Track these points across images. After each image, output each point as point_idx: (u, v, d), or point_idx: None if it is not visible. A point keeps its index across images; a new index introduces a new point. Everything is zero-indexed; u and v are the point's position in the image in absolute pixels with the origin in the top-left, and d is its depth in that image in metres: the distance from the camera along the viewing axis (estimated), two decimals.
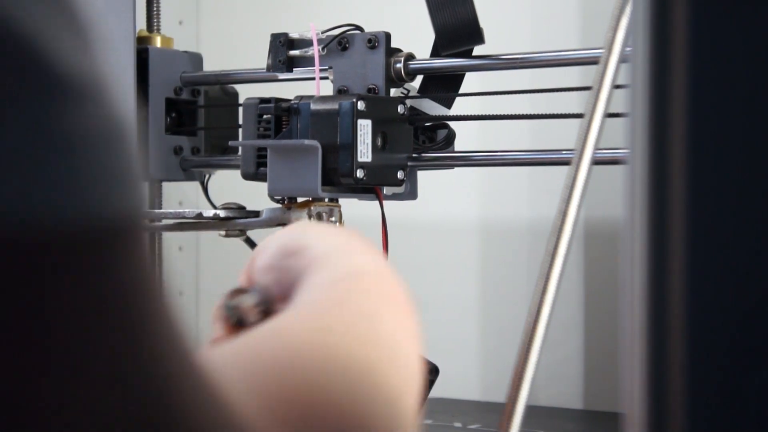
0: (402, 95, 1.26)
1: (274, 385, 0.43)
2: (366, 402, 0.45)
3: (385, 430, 0.45)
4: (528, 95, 1.34)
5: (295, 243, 0.57)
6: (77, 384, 0.32)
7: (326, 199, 1.21)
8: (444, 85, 1.27)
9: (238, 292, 0.57)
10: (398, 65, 1.24)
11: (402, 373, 0.49)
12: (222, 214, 1.21)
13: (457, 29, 1.21)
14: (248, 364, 0.43)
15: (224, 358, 0.44)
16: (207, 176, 1.47)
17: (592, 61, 1.07)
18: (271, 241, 0.58)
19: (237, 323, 0.56)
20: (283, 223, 1.21)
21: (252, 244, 1.42)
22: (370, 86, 1.24)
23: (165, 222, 1.27)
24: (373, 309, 0.52)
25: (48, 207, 0.31)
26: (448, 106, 1.27)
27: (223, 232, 1.25)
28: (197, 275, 1.99)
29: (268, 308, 0.56)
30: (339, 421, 0.43)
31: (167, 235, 1.55)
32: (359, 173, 1.17)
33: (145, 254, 0.34)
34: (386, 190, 1.24)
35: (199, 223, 1.23)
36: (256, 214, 1.22)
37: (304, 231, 0.58)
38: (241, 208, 1.23)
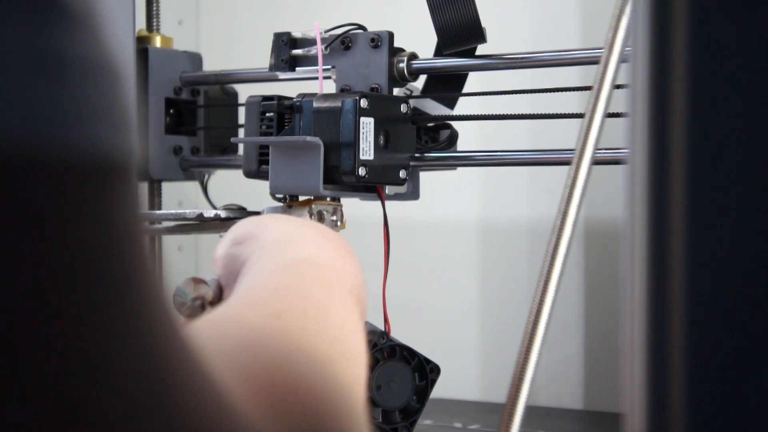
0: (405, 95, 1.26)
1: (244, 369, 0.42)
2: (328, 386, 0.45)
3: (348, 415, 0.45)
4: (528, 95, 1.34)
5: (245, 232, 0.57)
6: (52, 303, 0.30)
7: (328, 198, 1.21)
8: (447, 85, 1.27)
9: (197, 281, 0.58)
10: (401, 65, 1.24)
11: (352, 367, 0.49)
12: (223, 214, 1.20)
13: (459, 28, 1.21)
14: (212, 350, 0.42)
15: None
16: (207, 176, 1.47)
17: (592, 61, 1.07)
18: (228, 232, 0.58)
19: (195, 312, 0.57)
20: None
21: None
22: (373, 85, 1.24)
23: (165, 224, 1.26)
24: (321, 298, 0.51)
25: (28, 130, 0.29)
26: (451, 106, 1.27)
27: (224, 234, 1.24)
28: (197, 275, 1.98)
29: (221, 296, 0.56)
30: (312, 399, 0.42)
31: (167, 235, 1.55)
32: (361, 171, 1.17)
33: (132, 198, 0.33)
34: (388, 190, 1.24)
35: (199, 224, 1.23)
36: (257, 214, 1.22)
37: (256, 221, 0.58)
38: (242, 209, 1.23)
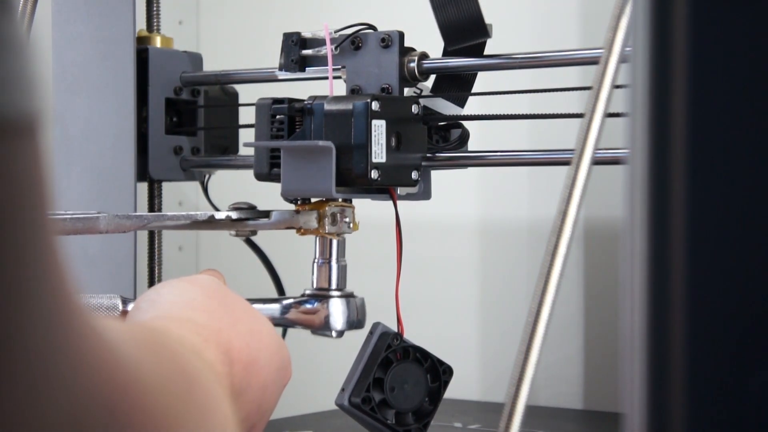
0: (415, 95, 1.26)
1: None
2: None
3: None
4: (528, 95, 1.34)
5: (151, 293, 0.66)
6: None
7: (340, 200, 1.21)
8: (457, 84, 1.27)
9: None
10: (412, 64, 1.24)
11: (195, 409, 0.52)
12: (234, 215, 1.20)
13: (462, 24, 1.21)
14: None
15: None
16: (207, 176, 1.47)
17: (592, 61, 1.07)
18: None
19: None
20: (292, 226, 1.21)
21: (253, 245, 1.42)
22: (384, 86, 1.23)
23: (176, 222, 1.26)
24: (193, 342, 0.60)
25: None
26: (461, 105, 1.27)
27: (233, 232, 1.24)
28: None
29: None
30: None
31: (167, 235, 1.55)
32: (374, 174, 1.17)
33: (39, 162, 0.35)
34: (400, 191, 1.24)
35: (210, 223, 1.22)
36: (267, 214, 1.22)
37: (164, 285, 0.66)
38: (252, 207, 1.23)
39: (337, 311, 1.19)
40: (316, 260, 1.21)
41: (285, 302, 1.20)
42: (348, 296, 1.20)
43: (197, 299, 0.63)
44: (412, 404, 1.18)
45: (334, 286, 1.20)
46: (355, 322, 1.20)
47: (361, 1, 1.79)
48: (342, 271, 1.21)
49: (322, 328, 1.19)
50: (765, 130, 0.47)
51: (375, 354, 1.16)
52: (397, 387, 1.17)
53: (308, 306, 1.19)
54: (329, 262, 1.20)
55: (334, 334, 1.19)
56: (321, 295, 1.20)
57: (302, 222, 1.20)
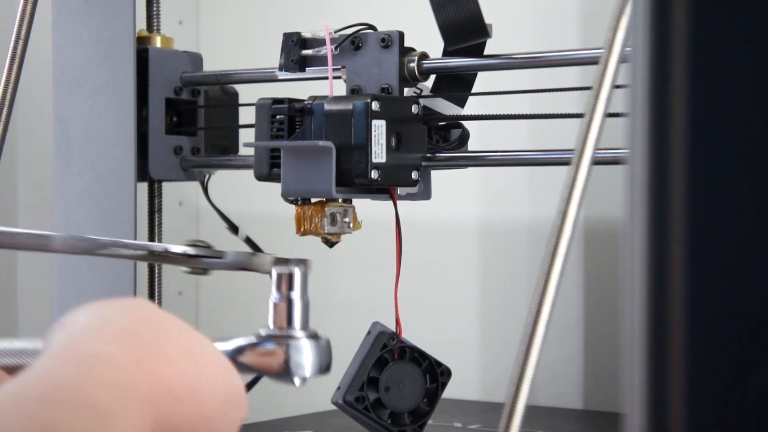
0: (415, 95, 1.26)
1: None
2: None
3: None
4: (528, 95, 1.34)
5: (67, 318, 0.57)
6: None
7: (340, 200, 1.21)
8: (457, 84, 1.27)
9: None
10: (412, 64, 1.24)
11: None
12: (191, 251, 1.14)
13: (461, 24, 1.21)
14: None
15: None
16: (207, 176, 1.47)
17: (592, 61, 1.07)
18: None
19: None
20: (246, 268, 1.13)
21: (252, 244, 1.42)
22: (384, 86, 1.24)
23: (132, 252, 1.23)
24: (105, 403, 0.50)
25: None
26: (461, 105, 1.27)
27: (187, 269, 1.19)
28: (197, 275, 1.98)
29: None
30: None
31: (167, 235, 1.55)
32: (374, 174, 1.17)
33: None
34: (400, 191, 1.24)
35: (165, 256, 1.18)
36: (219, 256, 1.15)
37: (82, 309, 0.58)
38: (208, 247, 1.20)
39: (304, 355, 0.97)
40: (271, 297, 1.01)
41: (238, 343, 0.99)
42: (313, 337, 1.02)
43: (115, 322, 0.56)
44: (409, 404, 1.18)
45: (297, 326, 1.00)
46: (324, 366, 1.02)
47: (361, 1, 1.79)
48: (306, 308, 1.00)
49: (281, 373, 1.02)
50: (765, 130, 0.47)
51: (371, 354, 1.16)
52: (393, 387, 1.17)
53: (266, 347, 1.00)
54: (289, 298, 1.01)
55: (297, 381, 1.01)
56: (281, 336, 1.00)
57: (257, 265, 1.09)
